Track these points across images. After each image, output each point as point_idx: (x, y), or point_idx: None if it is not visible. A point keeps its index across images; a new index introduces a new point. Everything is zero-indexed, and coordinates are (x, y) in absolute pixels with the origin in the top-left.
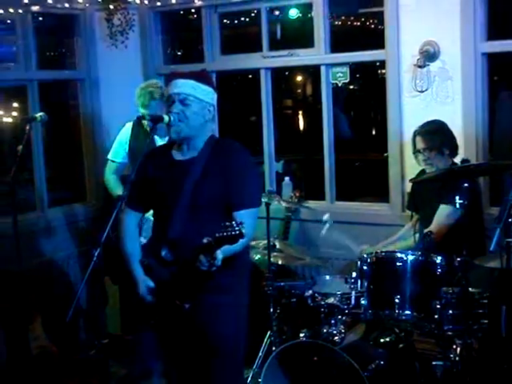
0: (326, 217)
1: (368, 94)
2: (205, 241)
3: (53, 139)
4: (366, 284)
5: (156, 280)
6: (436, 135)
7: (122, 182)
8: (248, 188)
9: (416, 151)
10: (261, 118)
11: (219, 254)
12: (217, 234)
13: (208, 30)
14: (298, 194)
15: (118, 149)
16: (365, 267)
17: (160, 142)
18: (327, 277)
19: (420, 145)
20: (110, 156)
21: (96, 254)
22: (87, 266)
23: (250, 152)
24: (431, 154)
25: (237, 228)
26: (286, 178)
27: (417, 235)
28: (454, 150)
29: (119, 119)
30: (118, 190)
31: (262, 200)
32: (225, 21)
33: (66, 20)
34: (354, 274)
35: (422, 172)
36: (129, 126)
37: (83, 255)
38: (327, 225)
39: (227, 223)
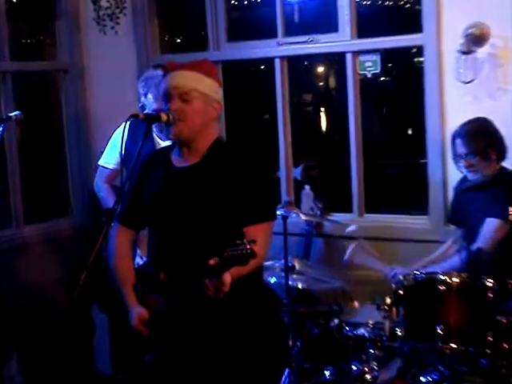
0: (350, 228)
1: (403, 86)
2: (210, 262)
3: (30, 143)
4: (402, 312)
5: (152, 309)
6: (480, 137)
7: (116, 193)
8: (260, 199)
9: (457, 156)
10: (275, 117)
11: (227, 277)
12: (224, 254)
13: (212, 12)
14: (320, 206)
15: (112, 153)
16: (401, 292)
17: (162, 145)
18: (356, 303)
19: (461, 149)
20: (101, 161)
21: (82, 277)
22: (72, 292)
23: (262, 156)
24: (475, 159)
25: (248, 246)
26: (306, 187)
27: (462, 253)
28: (501, 153)
29: (109, 118)
30: (110, 201)
31: (278, 213)
32: (232, 1)
33: (45, 2)
34: (388, 300)
35: (464, 179)
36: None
37: (67, 279)
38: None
39: (236, 241)
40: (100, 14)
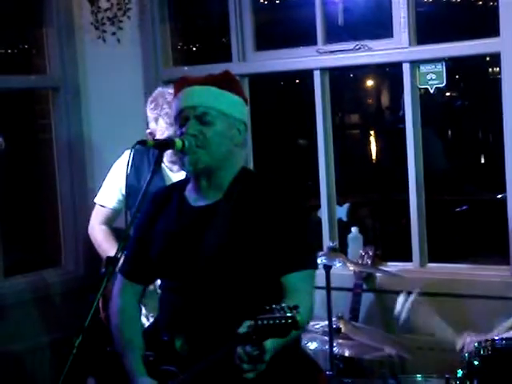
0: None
1: (474, 103)
2: (243, 330)
3: (12, 176)
4: None
5: None
6: None
7: (117, 238)
8: (299, 243)
9: None
10: (314, 142)
11: (270, 349)
12: (259, 322)
13: (236, 14)
14: (371, 253)
15: (111, 189)
16: (476, 362)
17: (174, 178)
18: (418, 376)
19: None
20: (98, 199)
21: (76, 343)
22: (62, 361)
23: (299, 192)
24: None
25: (289, 314)
26: (354, 229)
27: None
28: None
29: (109, 146)
30: (109, 248)
31: (319, 261)
32: (261, 0)
33: (31, 3)
34: (459, 373)
35: None
36: (127, 155)
37: (56, 346)
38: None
39: (274, 306)
40: (99, 17)
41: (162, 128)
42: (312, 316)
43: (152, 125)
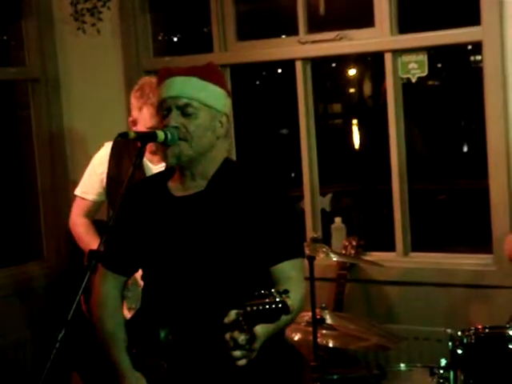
0: None
1: (456, 92)
2: (232, 316)
3: None
4: (462, 377)
5: (153, 377)
6: None
7: (98, 231)
8: (288, 232)
9: None
10: (296, 132)
11: (260, 335)
12: (248, 308)
13: (218, 4)
14: (355, 243)
15: (92, 181)
16: (459, 351)
17: (154, 170)
18: (402, 365)
19: None
20: (78, 191)
21: (59, 337)
22: (45, 355)
23: (282, 182)
24: None
25: (279, 298)
26: (337, 220)
27: None
28: None
29: (89, 138)
30: (90, 241)
31: None
32: None
33: None
34: (443, 362)
35: None
36: (107, 147)
37: (39, 340)
38: None
39: (263, 291)
40: (78, 9)
41: (145, 118)
42: (304, 304)
43: (135, 113)
